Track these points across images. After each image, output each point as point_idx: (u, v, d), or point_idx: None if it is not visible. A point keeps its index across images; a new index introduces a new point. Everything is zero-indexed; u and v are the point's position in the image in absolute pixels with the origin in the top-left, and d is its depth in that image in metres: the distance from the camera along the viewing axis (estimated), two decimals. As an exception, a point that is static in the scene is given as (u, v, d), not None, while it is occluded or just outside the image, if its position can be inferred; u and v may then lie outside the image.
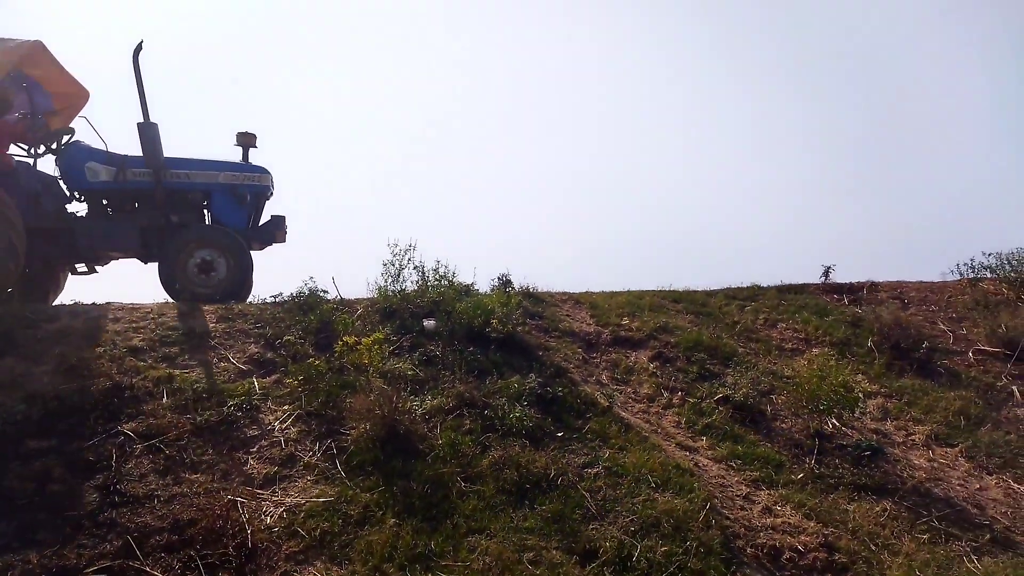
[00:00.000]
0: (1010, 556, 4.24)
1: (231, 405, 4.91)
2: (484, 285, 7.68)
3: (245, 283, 7.40)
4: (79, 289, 9.73)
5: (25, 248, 6.76)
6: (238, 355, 5.65)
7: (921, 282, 8.75)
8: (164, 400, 4.88)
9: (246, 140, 7.94)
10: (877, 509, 4.55)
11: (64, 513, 3.94)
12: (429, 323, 6.18)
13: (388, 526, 3.89)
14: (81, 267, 7.84)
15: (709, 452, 5.09)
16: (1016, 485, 5.05)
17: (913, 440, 5.56)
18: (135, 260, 7.70)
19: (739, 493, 4.57)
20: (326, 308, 6.22)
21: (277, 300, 6.75)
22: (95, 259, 7.74)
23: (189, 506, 4.03)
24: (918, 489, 4.85)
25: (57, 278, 8.11)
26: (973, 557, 4.18)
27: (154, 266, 7.48)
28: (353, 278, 7.35)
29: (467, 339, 6.01)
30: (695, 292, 8.22)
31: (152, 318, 6.05)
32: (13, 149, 7.40)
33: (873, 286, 8.50)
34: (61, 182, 7.52)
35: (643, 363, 6.36)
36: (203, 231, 7.46)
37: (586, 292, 7.98)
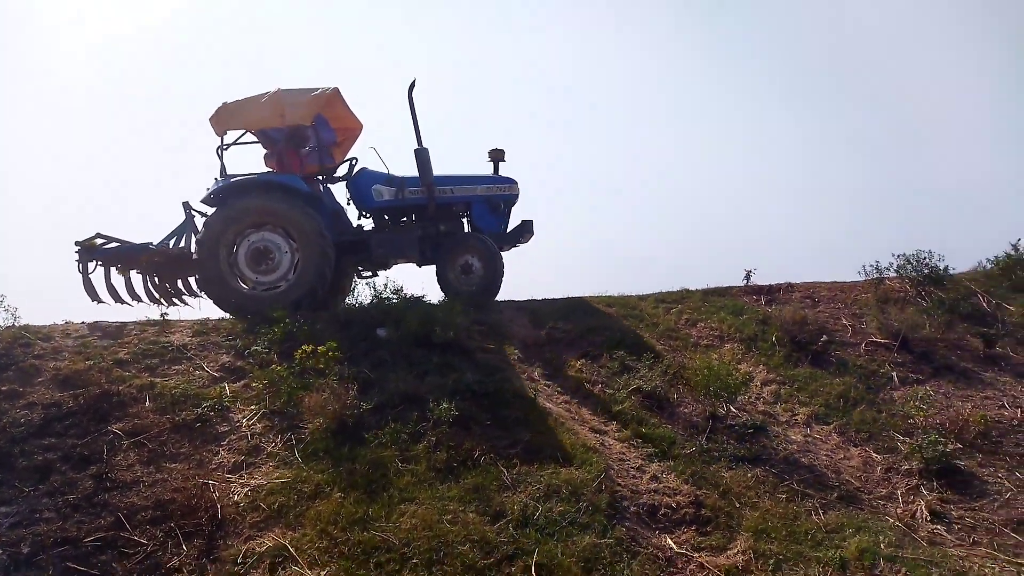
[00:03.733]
0: (851, 510, 5.15)
1: (205, 406, 5.73)
2: (436, 296, 8.59)
3: (496, 280, 8.56)
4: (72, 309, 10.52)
5: (335, 259, 8.17)
6: (211, 364, 6.48)
7: (834, 282, 9.67)
8: (147, 404, 5.70)
9: (496, 155, 9.07)
10: (749, 475, 5.44)
11: (64, 497, 4.75)
12: (381, 331, 7.02)
13: (335, 499, 4.72)
14: (365, 272, 9.43)
15: (616, 434, 5.96)
16: (875, 455, 5.96)
17: (796, 420, 6.47)
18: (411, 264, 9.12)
19: (634, 465, 5.44)
20: (289, 321, 7.05)
21: (246, 315, 7.58)
22: (384, 266, 9.22)
23: (169, 488, 4.84)
24: (788, 459, 5.75)
25: (344, 284, 9.67)
26: (820, 511, 5.07)
27: None
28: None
29: (414, 344, 6.84)
30: (628, 297, 9.11)
31: (135, 334, 6.86)
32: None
33: (789, 287, 9.42)
34: (351, 203, 8.95)
35: (571, 360, 7.24)
36: (461, 239, 8.71)
37: (529, 299, 8.85)
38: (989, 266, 10.00)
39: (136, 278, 8.55)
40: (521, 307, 8.50)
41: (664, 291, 9.37)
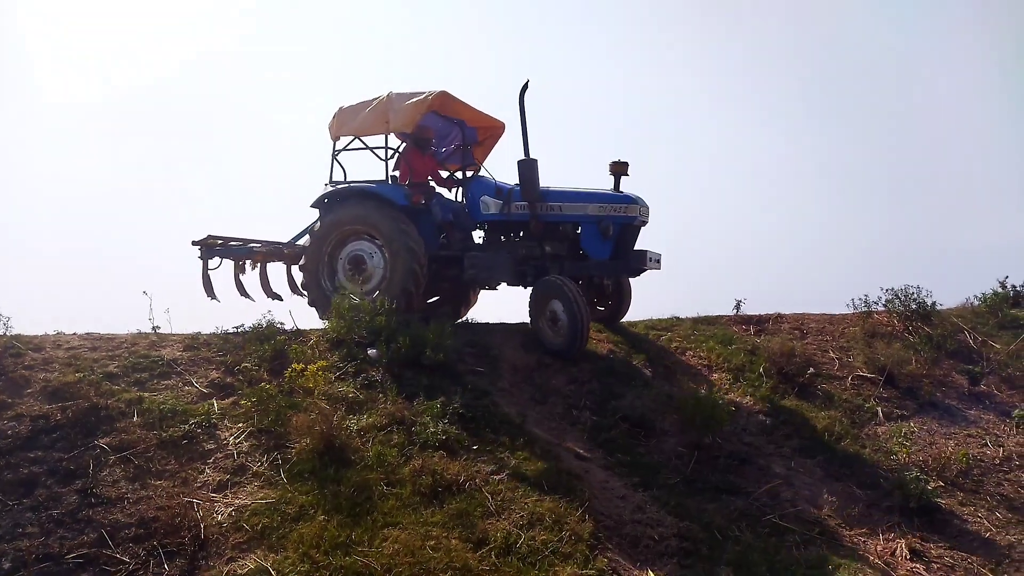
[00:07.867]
0: (831, 545, 5.19)
1: (192, 423, 5.73)
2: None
3: (578, 332, 7.46)
4: (66, 319, 10.53)
5: (426, 274, 7.95)
6: (200, 380, 6.49)
7: (822, 314, 9.76)
8: (135, 419, 5.70)
9: (618, 169, 7.92)
10: (732, 507, 5.48)
11: (48, 512, 4.75)
12: (372, 352, 7.04)
13: (318, 521, 4.73)
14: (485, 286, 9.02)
15: (601, 461, 6.00)
16: (858, 490, 6.00)
17: (781, 452, 6.51)
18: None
19: (618, 494, 5.47)
20: (281, 339, 7.08)
21: (238, 330, 7.59)
22: (480, 286, 8.87)
23: (153, 506, 4.84)
24: (771, 492, 5.80)
25: (468, 295, 9.50)
26: (801, 546, 5.11)
27: None
28: (309, 311, 8.62)
29: (404, 365, 6.86)
30: (619, 323, 9.17)
31: (126, 347, 6.87)
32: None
33: (779, 317, 9.50)
34: (468, 212, 8.57)
35: (560, 386, 7.28)
36: (547, 282, 7.72)
37: (521, 323, 8.88)
38: (976, 303, 10.10)
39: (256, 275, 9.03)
40: (513, 330, 8.54)
41: (654, 318, 9.45)
